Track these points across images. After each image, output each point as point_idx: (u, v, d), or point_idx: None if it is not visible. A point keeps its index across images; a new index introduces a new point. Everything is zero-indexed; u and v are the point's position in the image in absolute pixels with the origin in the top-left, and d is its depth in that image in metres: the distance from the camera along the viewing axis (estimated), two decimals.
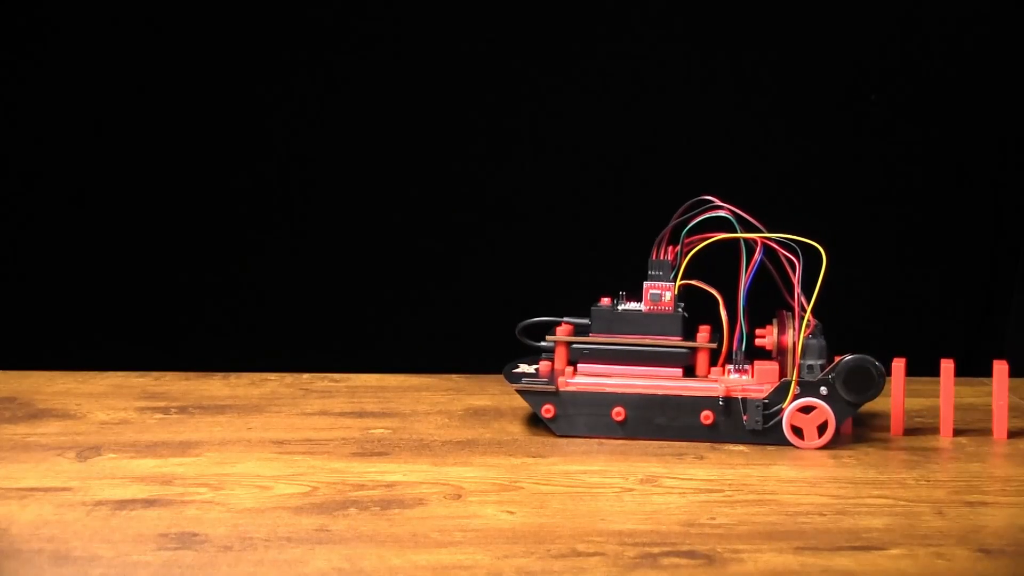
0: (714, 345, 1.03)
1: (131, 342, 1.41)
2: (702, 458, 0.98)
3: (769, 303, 1.04)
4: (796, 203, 1.42)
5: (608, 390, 1.02)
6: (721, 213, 1.01)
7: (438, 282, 1.42)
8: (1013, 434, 1.05)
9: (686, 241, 1.04)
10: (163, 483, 0.90)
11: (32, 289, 1.42)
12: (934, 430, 1.05)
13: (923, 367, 1.09)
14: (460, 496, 0.88)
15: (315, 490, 0.89)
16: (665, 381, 1.02)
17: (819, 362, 1.01)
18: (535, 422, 1.05)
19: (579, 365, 1.05)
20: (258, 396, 1.16)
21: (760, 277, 1.02)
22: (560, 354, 1.05)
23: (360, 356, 1.32)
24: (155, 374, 1.23)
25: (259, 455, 0.98)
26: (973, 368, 1.21)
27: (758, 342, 1.03)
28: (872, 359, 1.00)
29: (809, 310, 1.00)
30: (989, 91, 1.41)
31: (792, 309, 1.02)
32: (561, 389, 1.02)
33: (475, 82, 1.40)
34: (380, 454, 0.98)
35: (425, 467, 0.95)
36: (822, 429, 1.00)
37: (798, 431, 1.01)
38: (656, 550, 0.78)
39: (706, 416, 1.01)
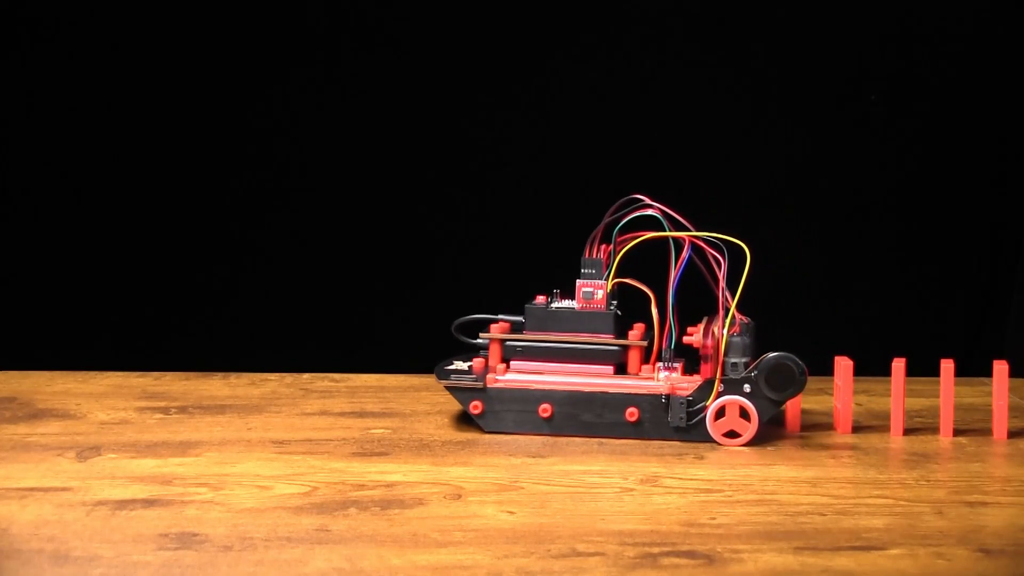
0: (644, 343, 1.04)
1: (131, 342, 1.41)
2: (702, 458, 0.98)
3: (708, 301, 1.05)
4: (796, 203, 1.42)
5: (535, 387, 1.03)
6: (650, 212, 1.02)
7: (439, 282, 1.42)
8: (1013, 434, 1.05)
9: (618, 240, 1.04)
10: (163, 483, 0.90)
11: (32, 289, 1.42)
12: (934, 430, 1.05)
13: (923, 367, 1.09)
14: (460, 496, 0.88)
15: (315, 490, 0.89)
16: (596, 379, 1.03)
17: (743, 360, 1.01)
18: None
19: (512, 362, 1.05)
20: (258, 396, 1.16)
21: (699, 276, 1.03)
22: (494, 351, 1.06)
23: (360, 356, 1.32)
24: (155, 374, 1.23)
25: (259, 455, 0.98)
26: (973, 368, 1.21)
27: (686, 340, 1.03)
28: (794, 357, 1.01)
29: (733, 307, 1.01)
30: (989, 91, 1.41)
31: (725, 307, 1.03)
32: (488, 386, 1.03)
33: (472, 84, 1.40)
34: (380, 454, 0.98)
35: (425, 467, 0.95)
36: (744, 427, 1.01)
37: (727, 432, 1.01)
38: (656, 550, 0.78)
39: (631, 413, 1.02)
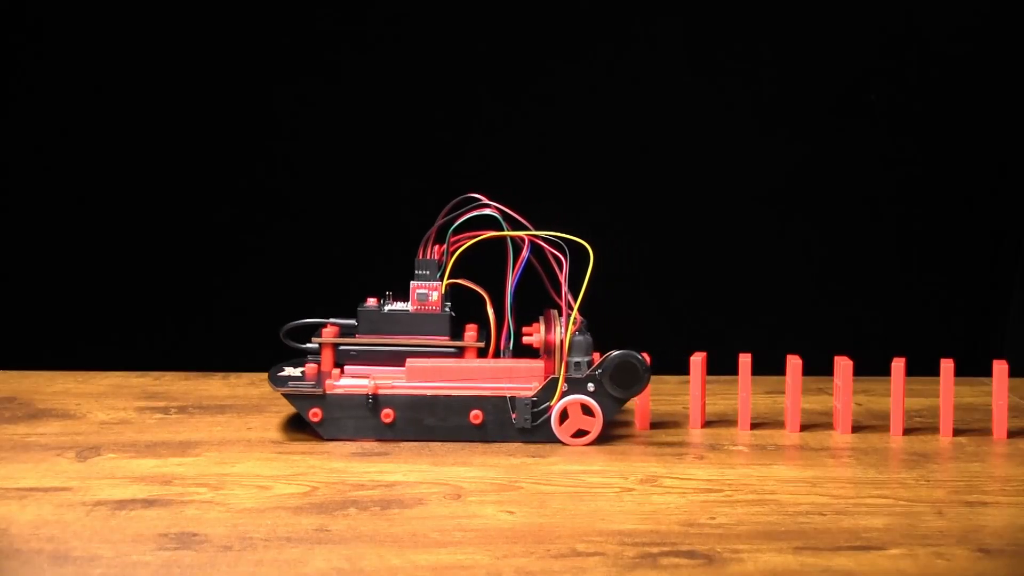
0: (482, 344, 1.03)
1: (131, 342, 1.41)
2: (702, 458, 0.98)
3: (541, 301, 1.04)
4: (797, 204, 1.42)
5: (375, 392, 1.01)
6: (488, 211, 1.01)
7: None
8: (1013, 434, 1.05)
9: (452, 240, 1.03)
10: (163, 483, 0.90)
11: (32, 289, 1.42)
12: (934, 430, 1.05)
13: (923, 367, 1.09)
14: (460, 496, 0.88)
15: (315, 490, 0.89)
16: (434, 381, 1.02)
17: (585, 359, 1.01)
18: None
19: (346, 367, 1.04)
20: (258, 396, 1.16)
21: (532, 275, 1.02)
22: (327, 356, 1.04)
23: None
24: (155, 374, 1.23)
25: (259, 455, 0.98)
26: (973, 368, 1.21)
27: (525, 340, 1.03)
28: (637, 354, 1.01)
29: (576, 307, 1.00)
30: (989, 92, 1.41)
31: (559, 306, 1.02)
32: (328, 392, 1.01)
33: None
34: (380, 454, 0.98)
35: (425, 467, 0.95)
36: (590, 425, 1.01)
37: (569, 430, 1.01)
38: (656, 550, 0.78)
39: (475, 416, 1.01)
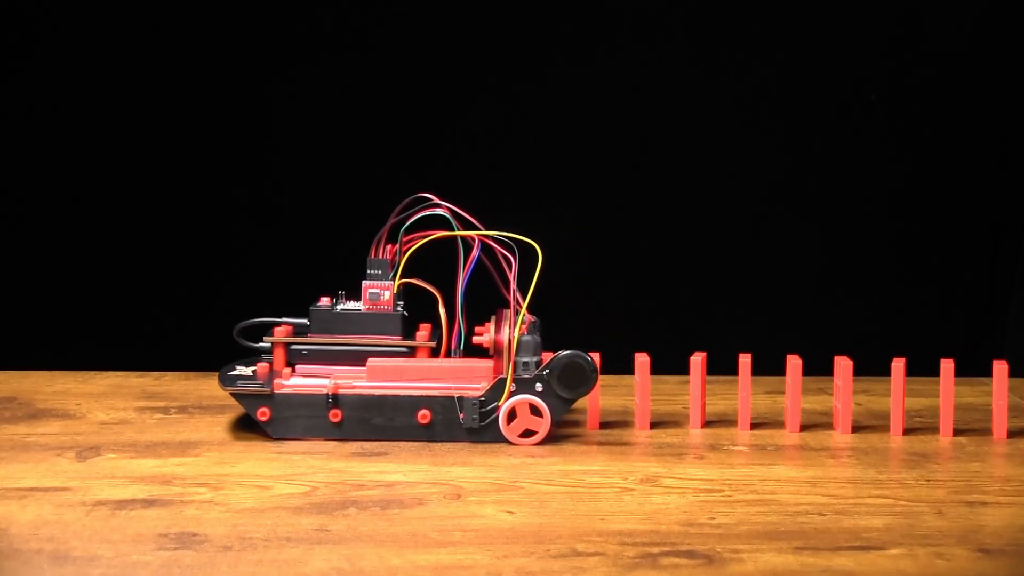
0: (433, 344, 1.03)
1: (131, 342, 1.41)
2: (702, 458, 0.98)
3: (498, 301, 1.04)
4: (796, 203, 1.42)
5: (324, 391, 1.01)
6: (438, 211, 1.01)
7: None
8: (1013, 434, 1.05)
9: (404, 239, 1.03)
10: (163, 483, 0.90)
11: (32, 289, 1.42)
12: (934, 430, 1.05)
13: (923, 367, 1.10)
14: (460, 496, 0.88)
15: (315, 490, 0.89)
16: (385, 380, 1.01)
17: (534, 359, 1.01)
18: None
19: (298, 366, 1.03)
20: None
21: (488, 275, 1.02)
22: (278, 355, 1.04)
23: None
24: (155, 374, 1.23)
25: (259, 455, 0.98)
26: (973, 368, 1.21)
27: (475, 340, 1.02)
28: (585, 355, 1.00)
29: (524, 307, 1.00)
30: (989, 91, 1.41)
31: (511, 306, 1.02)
32: (276, 391, 1.01)
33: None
34: (380, 454, 0.98)
35: (425, 467, 0.95)
36: (538, 425, 1.01)
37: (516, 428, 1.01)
38: (656, 550, 0.78)
39: (423, 415, 1.01)
